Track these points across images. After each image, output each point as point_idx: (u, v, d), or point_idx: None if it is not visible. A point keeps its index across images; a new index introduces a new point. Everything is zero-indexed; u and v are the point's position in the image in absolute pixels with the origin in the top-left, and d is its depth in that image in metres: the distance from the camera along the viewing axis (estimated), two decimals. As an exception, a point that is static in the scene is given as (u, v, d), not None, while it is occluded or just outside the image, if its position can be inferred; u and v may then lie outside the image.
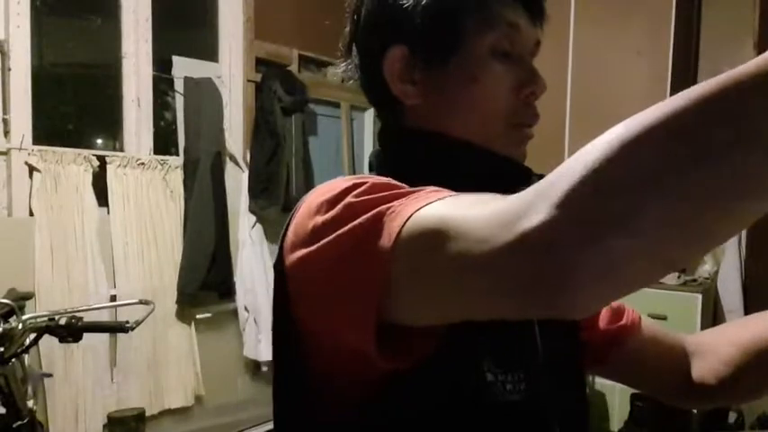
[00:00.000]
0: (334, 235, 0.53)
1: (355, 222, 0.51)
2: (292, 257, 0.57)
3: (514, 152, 0.67)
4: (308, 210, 0.57)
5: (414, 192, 0.52)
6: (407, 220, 0.48)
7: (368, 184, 0.55)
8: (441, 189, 0.52)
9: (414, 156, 0.68)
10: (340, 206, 0.54)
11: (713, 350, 0.80)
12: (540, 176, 0.64)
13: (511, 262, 0.40)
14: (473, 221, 0.43)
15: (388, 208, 0.51)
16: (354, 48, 0.72)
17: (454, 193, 0.50)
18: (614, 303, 0.82)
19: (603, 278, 0.37)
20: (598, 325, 0.81)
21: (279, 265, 0.60)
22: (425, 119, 0.67)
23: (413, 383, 0.57)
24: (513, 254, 0.39)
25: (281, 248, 0.60)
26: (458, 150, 0.66)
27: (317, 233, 0.55)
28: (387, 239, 0.49)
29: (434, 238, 0.45)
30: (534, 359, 0.63)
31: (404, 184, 0.55)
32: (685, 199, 0.34)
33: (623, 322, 0.81)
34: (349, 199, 0.54)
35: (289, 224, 0.60)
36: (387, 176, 0.58)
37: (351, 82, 0.73)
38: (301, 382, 0.62)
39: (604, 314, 0.81)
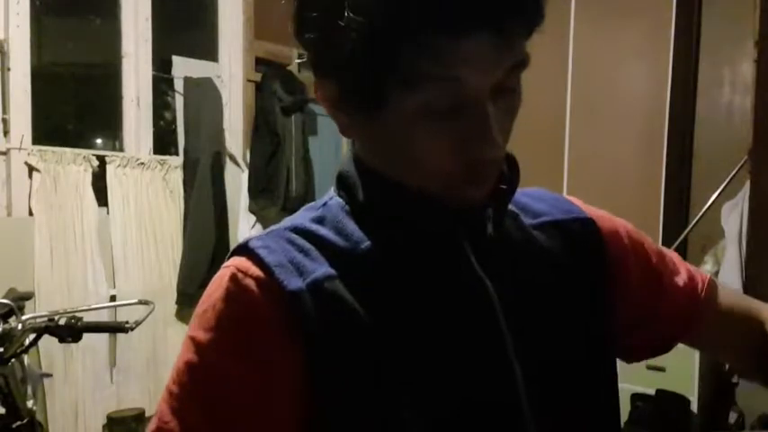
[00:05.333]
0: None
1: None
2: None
3: (461, 201, 0.58)
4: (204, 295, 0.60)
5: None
6: None
7: (206, 324, 0.56)
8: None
9: (363, 191, 0.62)
10: (188, 333, 0.58)
11: None
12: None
13: None
14: None
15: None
16: None
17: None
18: (685, 276, 0.74)
19: None
20: (659, 316, 0.73)
21: None
22: (366, 154, 0.61)
23: None
24: None
25: None
26: (390, 196, 0.60)
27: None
28: None
29: None
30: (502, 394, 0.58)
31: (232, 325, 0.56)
32: None
33: (691, 309, 0.73)
34: (190, 332, 0.57)
35: None
36: (354, 201, 0.61)
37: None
38: None
39: (673, 290, 0.73)
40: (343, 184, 0.63)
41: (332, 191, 0.65)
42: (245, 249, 0.59)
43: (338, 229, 0.60)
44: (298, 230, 0.60)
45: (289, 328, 0.54)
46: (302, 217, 0.62)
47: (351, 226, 0.60)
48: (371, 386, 0.55)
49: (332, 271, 0.57)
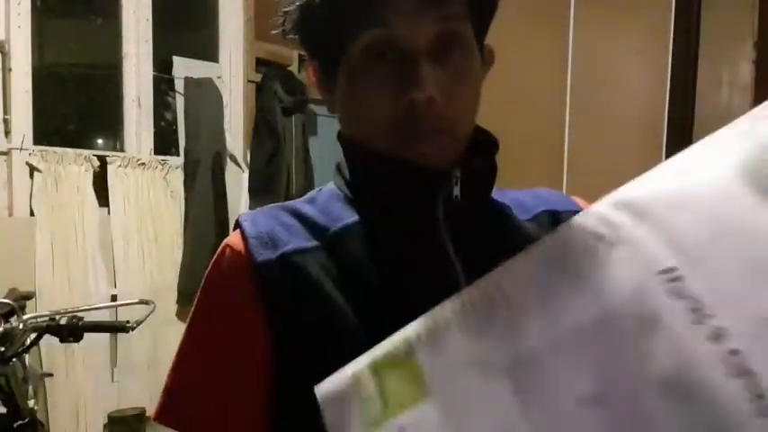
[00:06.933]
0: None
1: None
2: None
3: (418, 159, 0.60)
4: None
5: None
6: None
7: (205, 287, 0.65)
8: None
9: (347, 167, 0.68)
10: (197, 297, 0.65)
11: None
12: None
13: None
14: None
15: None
16: None
17: None
18: None
19: None
20: None
21: None
22: (342, 125, 0.66)
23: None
24: None
25: None
26: (360, 159, 0.65)
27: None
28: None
29: None
30: None
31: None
32: None
33: None
34: (199, 294, 0.65)
35: None
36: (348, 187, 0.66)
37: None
38: None
39: None
40: (338, 170, 0.70)
41: (331, 182, 0.71)
42: (237, 222, 0.66)
43: (324, 209, 0.64)
44: (286, 208, 0.65)
45: (255, 297, 0.59)
46: (297, 200, 0.68)
47: (337, 206, 0.65)
48: (330, 357, 0.52)
49: (306, 245, 0.60)
